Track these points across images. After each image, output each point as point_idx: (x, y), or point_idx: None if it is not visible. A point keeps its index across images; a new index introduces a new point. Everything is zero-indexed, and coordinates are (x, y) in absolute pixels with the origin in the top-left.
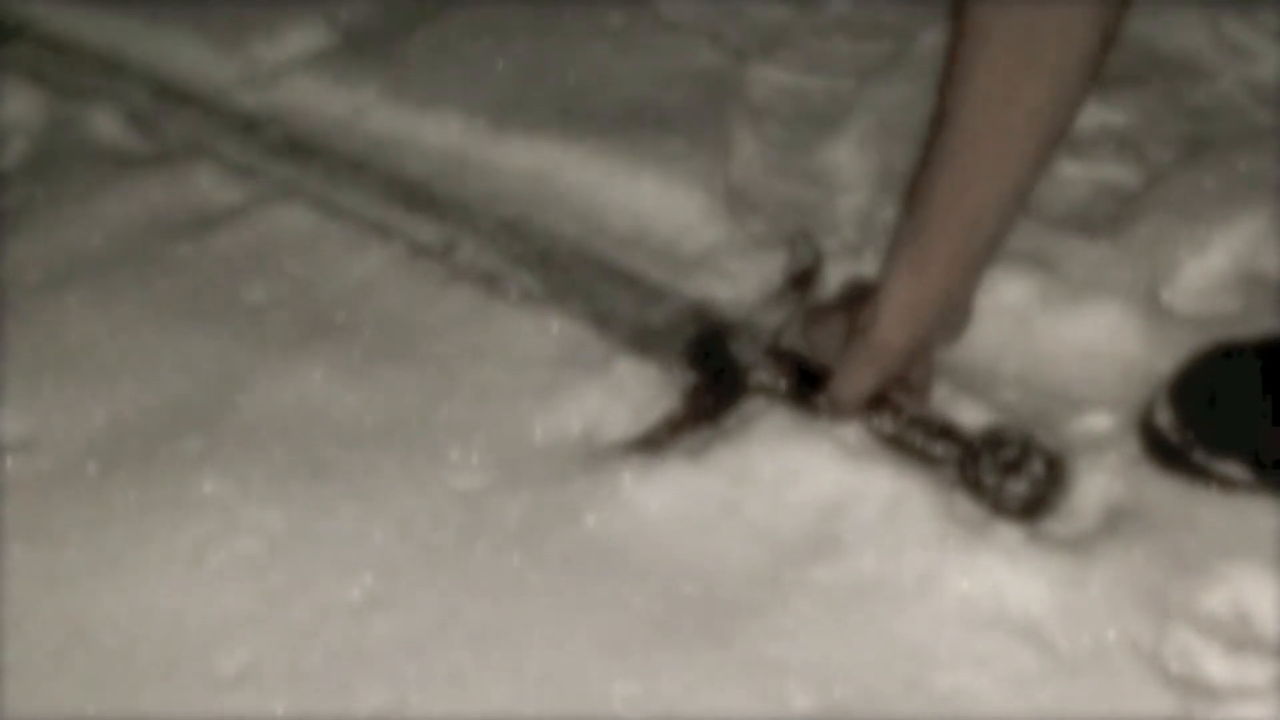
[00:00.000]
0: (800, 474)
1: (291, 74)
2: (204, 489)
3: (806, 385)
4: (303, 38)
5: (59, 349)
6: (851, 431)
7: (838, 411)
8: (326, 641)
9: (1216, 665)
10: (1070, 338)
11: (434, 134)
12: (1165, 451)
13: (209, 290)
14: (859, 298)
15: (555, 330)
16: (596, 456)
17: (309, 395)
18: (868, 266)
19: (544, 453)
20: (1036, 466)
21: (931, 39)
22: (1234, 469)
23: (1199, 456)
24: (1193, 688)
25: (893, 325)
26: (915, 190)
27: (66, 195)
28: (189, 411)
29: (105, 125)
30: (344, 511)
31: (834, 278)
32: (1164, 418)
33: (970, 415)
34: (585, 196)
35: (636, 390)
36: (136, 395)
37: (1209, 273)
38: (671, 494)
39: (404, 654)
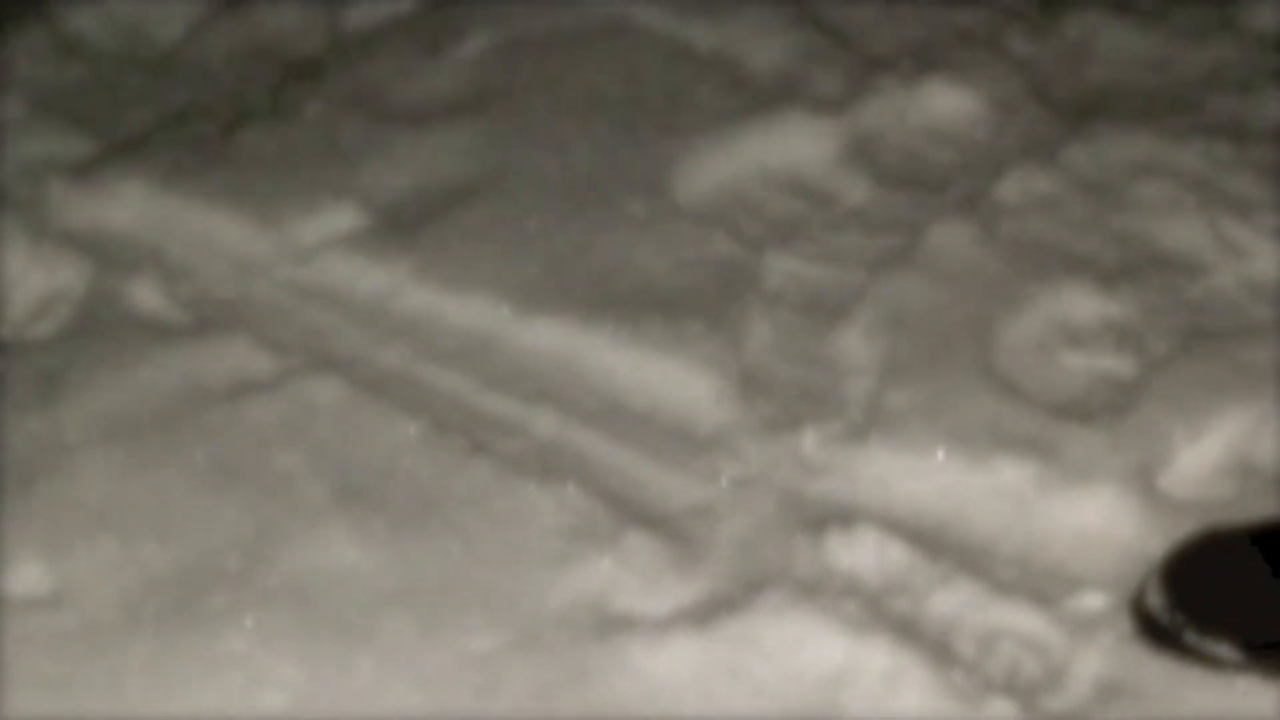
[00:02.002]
0: (804, 643)
1: (327, 252)
2: (229, 645)
3: None
4: (339, 217)
5: (93, 508)
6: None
7: None
8: None
9: None
10: (1067, 520)
11: (462, 314)
12: (1156, 632)
13: (241, 456)
14: None
15: (571, 504)
16: (608, 623)
17: (334, 559)
18: (873, 449)
19: (557, 619)
20: None
21: (940, 233)
22: (1223, 650)
23: (1189, 637)
24: None
25: None
26: None
27: (106, 361)
28: (216, 571)
29: (146, 296)
30: (363, 669)
31: (839, 460)
32: (1155, 599)
33: (968, 594)
34: (605, 376)
35: (646, 561)
36: (166, 554)
37: (1204, 460)
38: (680, 660)
39: None
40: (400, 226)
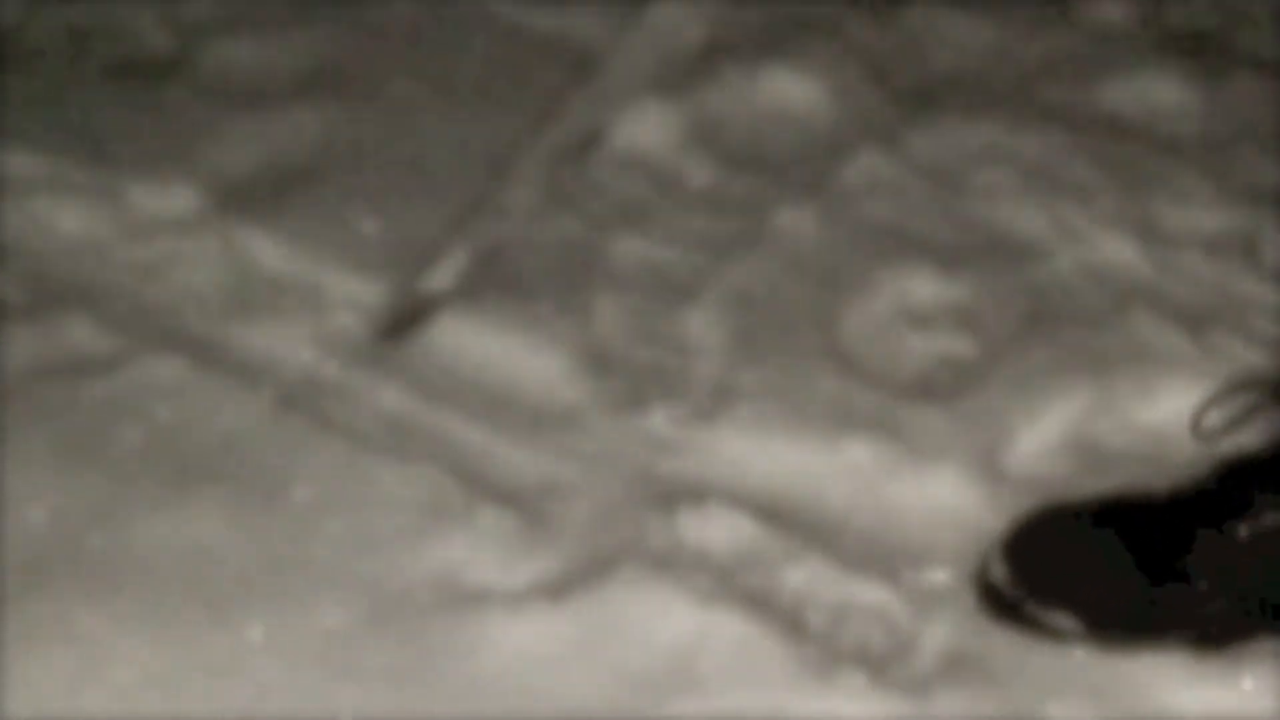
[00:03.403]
0: (658, 615)
1: (168, 232)
2: (76, 623)
3: None
4: (181, 197)
5: None
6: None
7: None
8: None
9: None
10: (913, 497)
11: (307, 291)
12: (998, 604)
13: (83, 436)
14: None
15: (421, 480)
16: (463, 598)
17: (180, 536)
18: (722, 428)
19: (412, 594)
20: None
21: (785, 217)
22: (1063, 620)
23: (1030, 608)
24: None
25: None
26: None
27: None
28: (60, 552)
29: None
30: (215, 644)
31: (689, 438)
32: (998, 572)
33: (818, 569)
34: (454, 354)
35: (500, 537)
36: (7, 532)
37: (1042, 439)
38: (534, 635)
39: None
40: (245, 206)
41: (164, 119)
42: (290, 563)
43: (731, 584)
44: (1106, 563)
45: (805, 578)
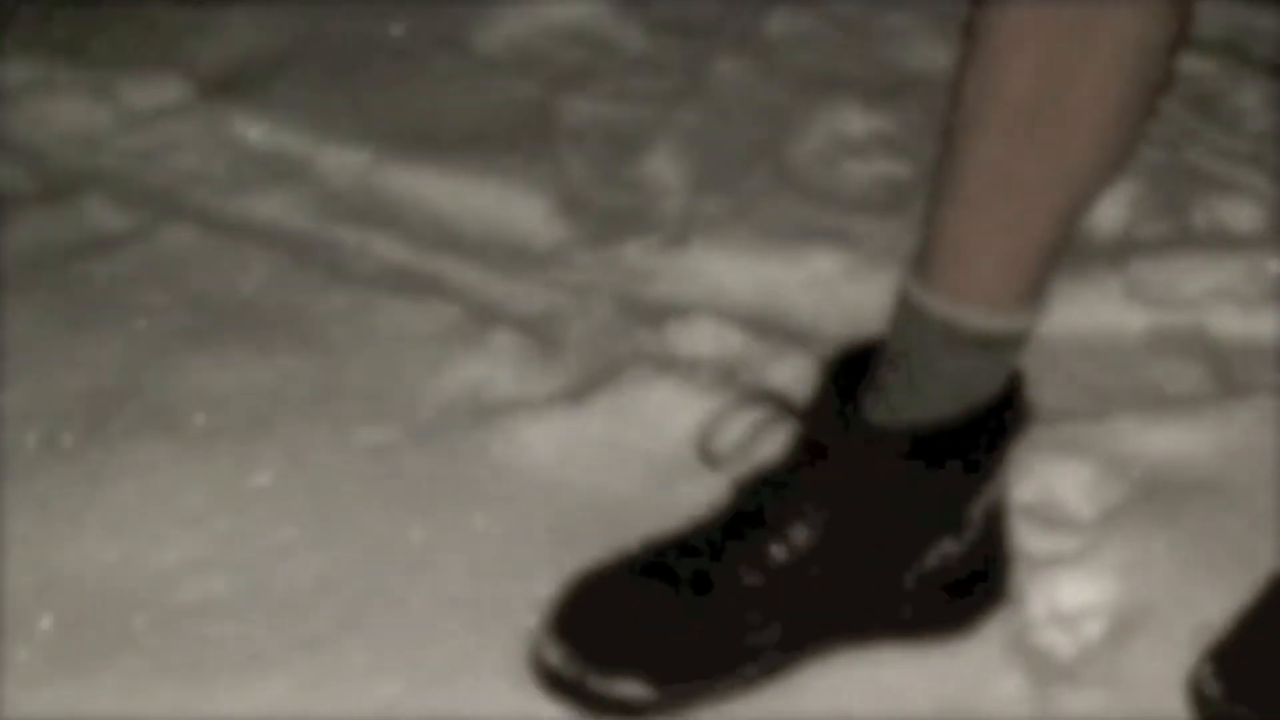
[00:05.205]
0: (668, 409)
1: (164, 119)
2: (138, 457)
3: None
4: (170, 87)
5: None
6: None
7: None
8: (273, 574)
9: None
10: (872, 298)
11: (298, 160)
12: (560, 687)
13: (107, 304)
14: None
15: (433, 315)
16: (491, 409)
17: (216, 381)
18: (694, 253)
19: (441, 412)
20: None
21: (719, 70)
22: (632, 687)
23: (594, 683)
24: None
25: None
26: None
27: None
28: (112, 405)
29: None
30: (269, 468)
31: (666, 265)
32: (553, 655)
33: (800, 368)
34: (439, 210)
35: (515, 357)
36: (47, 391)
37: None
38: (559, 435)
39: (340, 581)
40: (230, 93)
41: (143, 24)
42: (327, 394)
43: (728, 381)
44: (657, 616)
45: (791, 375)
